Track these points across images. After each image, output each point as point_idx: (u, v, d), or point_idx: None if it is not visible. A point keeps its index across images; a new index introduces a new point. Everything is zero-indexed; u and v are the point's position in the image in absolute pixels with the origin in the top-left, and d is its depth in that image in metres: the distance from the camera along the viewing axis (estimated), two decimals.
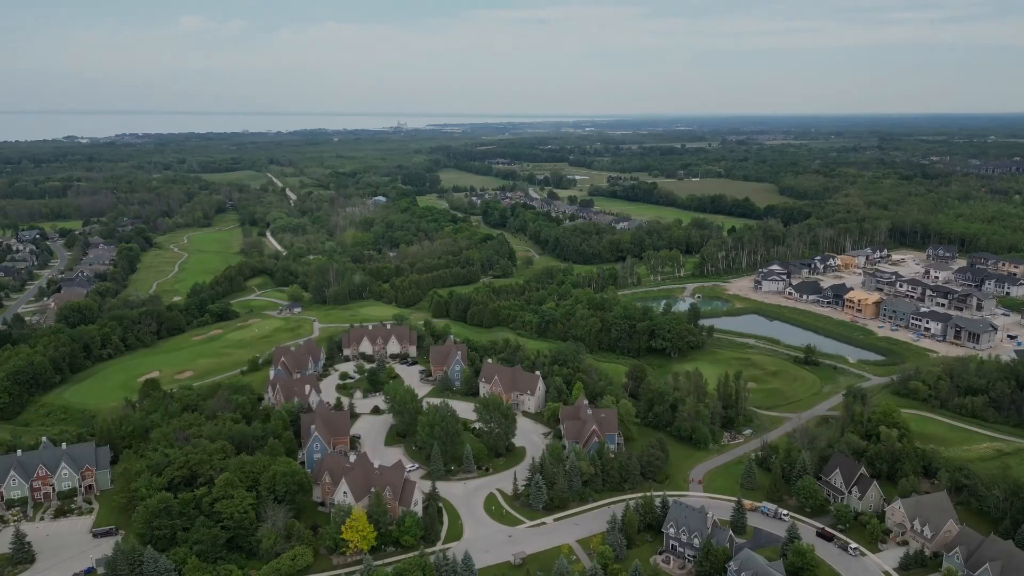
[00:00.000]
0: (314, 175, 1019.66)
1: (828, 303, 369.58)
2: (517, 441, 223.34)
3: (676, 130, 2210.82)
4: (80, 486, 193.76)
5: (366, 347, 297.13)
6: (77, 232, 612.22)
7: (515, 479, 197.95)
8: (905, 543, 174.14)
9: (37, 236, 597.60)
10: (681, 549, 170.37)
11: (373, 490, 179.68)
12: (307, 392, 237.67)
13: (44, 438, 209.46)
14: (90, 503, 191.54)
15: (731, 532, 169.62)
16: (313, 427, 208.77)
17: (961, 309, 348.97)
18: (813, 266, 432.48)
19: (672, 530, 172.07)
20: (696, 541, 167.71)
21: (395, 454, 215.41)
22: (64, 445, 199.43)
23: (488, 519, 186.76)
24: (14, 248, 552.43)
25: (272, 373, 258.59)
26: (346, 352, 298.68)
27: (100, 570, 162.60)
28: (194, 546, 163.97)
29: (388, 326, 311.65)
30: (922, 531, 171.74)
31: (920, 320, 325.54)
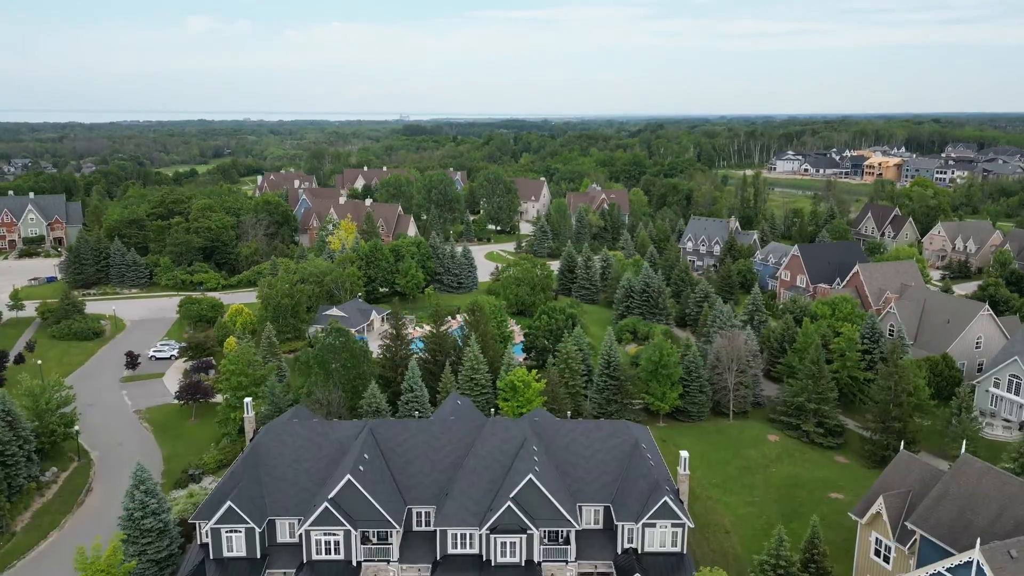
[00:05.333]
0: (314, 138, 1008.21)
1: (847, 174, 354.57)
2: (522, 230, 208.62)
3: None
4: (48, 236, 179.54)
5: (358, 184, 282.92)
6: (72, 161, 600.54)
7: (517, 234, 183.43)
8: (946, 267, 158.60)
9: (28, 163, 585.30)
10: (700, 263, 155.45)
11: (365, 213, 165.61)
12: (296, 185, 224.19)
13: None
14: (59, 251, 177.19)
15: (756, 238, 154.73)
16: (303, 193, 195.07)
17: None
18: (829, 157, 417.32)
19: (691, 243, 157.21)
20: (717, 248, 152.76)
21: None
22: (31, 195, 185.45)
23: (489, 263, 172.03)
24: (5, 170, 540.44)
25: (259, 179, 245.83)
26: (341, 191, 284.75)
27: (61, 276, 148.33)
28: (167, 248, 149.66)
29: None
30: (965, 247, 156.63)
31: (945, 172, 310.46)
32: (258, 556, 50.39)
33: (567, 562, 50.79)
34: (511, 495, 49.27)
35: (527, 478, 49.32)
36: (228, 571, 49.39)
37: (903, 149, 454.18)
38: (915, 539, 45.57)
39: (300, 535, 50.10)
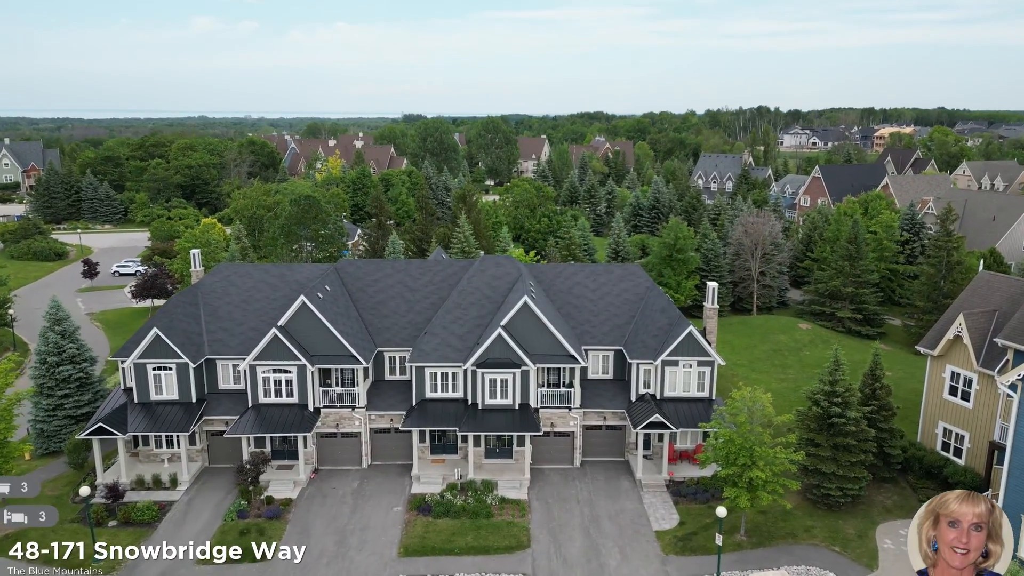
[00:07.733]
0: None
1: (857, 144, 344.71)
2: None
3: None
4: (24, 183, 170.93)
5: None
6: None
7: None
8: None
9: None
10: (711, 201, 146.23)
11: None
12: (287, 139, 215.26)
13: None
14: (32, 196, 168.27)
15: (771, 171, 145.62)
16: (291, 143, 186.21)
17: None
18: (837, 130, 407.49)
19: (701, 180, 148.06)
20: (729, 185, 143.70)
21: None
22: (7, 141, 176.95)
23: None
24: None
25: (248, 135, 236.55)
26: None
27: (30, 213, 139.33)
28: (144, 183, 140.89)
29: None
30: (992, 184, 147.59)
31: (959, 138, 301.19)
32: (193, 401, 41.30)
33: (570, 408, 41.68)
34: (503, 324, 40.18)
35: (522, 301, 40.26)
36: (155, 416, 40.32)
37: (913, 126, 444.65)
38: (1007, 360, 36.40)
39: (244, 371, 41.02)
